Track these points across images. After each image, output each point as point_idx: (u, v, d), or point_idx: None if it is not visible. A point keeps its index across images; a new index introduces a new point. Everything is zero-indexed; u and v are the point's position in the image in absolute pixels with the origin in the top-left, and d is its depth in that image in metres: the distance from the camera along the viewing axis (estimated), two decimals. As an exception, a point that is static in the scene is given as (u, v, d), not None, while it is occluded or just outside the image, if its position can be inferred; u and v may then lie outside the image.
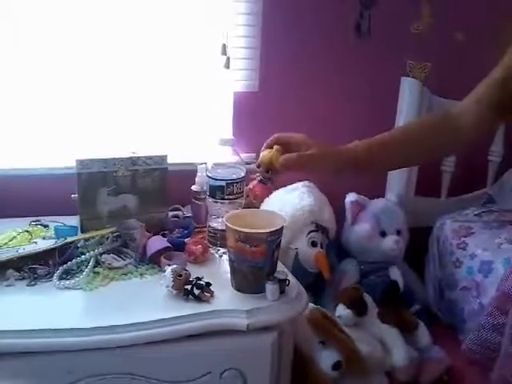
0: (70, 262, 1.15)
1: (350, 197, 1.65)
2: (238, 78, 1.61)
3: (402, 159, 0.95)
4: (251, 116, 1.62)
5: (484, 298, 1.46)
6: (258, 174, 0.99)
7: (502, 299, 0.93)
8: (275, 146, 0.91)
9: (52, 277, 1.11)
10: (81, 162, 1.26)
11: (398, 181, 1.77)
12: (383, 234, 1.61)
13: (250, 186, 1.01)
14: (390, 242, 1.59)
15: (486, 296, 1.45)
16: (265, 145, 0.93)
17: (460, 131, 0.89)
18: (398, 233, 1.62)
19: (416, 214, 1.75)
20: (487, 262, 1.49)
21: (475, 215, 1.73)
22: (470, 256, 1.55)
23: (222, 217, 1.19)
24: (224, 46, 1.54)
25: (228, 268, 1.13)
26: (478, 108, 0.87)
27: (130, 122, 1.55)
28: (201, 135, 1.62)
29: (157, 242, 1.23)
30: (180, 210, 1.45)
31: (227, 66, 1.55)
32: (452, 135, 0.90)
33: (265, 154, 0.92)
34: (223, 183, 1.24)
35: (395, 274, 1.61)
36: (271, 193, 1.01)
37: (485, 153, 1.90)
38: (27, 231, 1.30)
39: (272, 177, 0.95)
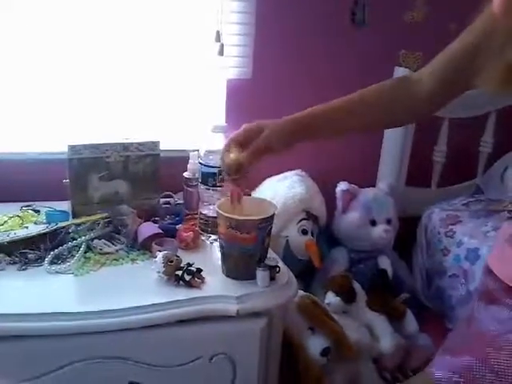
0: (61, 247, 1.15)
1: (342, 186, 1.65)
2: (231, 65, 1.60)
3: (359, 122, 0.94)
4: (244, 103, 1.62)
5: (471, 285, 1.48)
6: (226, 182, 1.00)
7: None
8: (234, 148, 0.92)
9: (43, 261, 1.11)
10: (72, 148, 1.25)
11: (389, 170, 1.78)
12: (373, 223, 1.62)
13: (229, 193, 1.03)
14: (380, 231, 1.61)
15: (473, 283, 1.48)
16: (222, 150, 0.94)
17: (415, 98, 0.89)
18: (388, 222, 1.63)
19: (406, 203, 1.76)
20: (474, 249, 1.51)
21: (463, 204, 1.75)
22: (458, 244, 1.58)
23: (213, 204, 1.20)
24: (218, 33, 1.53)
25: (219, 254, 1.14)
26: (431, 79, 0.86)
27: (122, 107, 1.54)
28: (194, 122, 1.62)
29: (148, 228, 1.23)
30: (171, 196, 1.45)
31: (221, 52, 1.55)
32: (407, 100, 0.90)
33: (229, 157, 0.92)
34: (215, 170, 1.24)
35: (384, 262, 1.63)
36: (244, 191, 1.03)
37: (476, 143, 1.92)
38: (18, 216, 1.30)
39: (243, 176, 0.95)
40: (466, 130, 1.82)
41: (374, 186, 1.78)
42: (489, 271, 0.84)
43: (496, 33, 0.72)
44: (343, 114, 0.92)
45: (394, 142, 1.75)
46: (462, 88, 0.86)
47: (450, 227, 1.64)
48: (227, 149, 0.93)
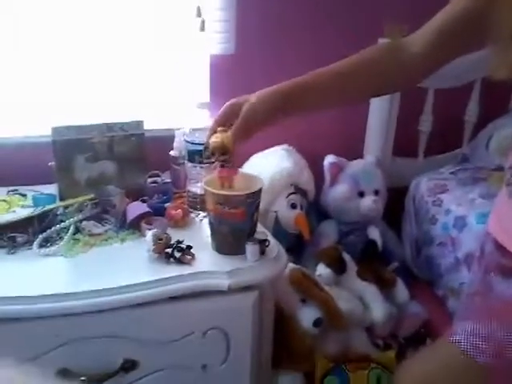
0: (49, 230, 1.15)
1: (329, 158, 1.66)
2: (214, 41, 1.58)
3: (350, 92, 0.90)
4: (228, 79, 1.60)
5: (459, 253, 1.50)
6: (215, 163, 1.01)
7: None
8: (219, 129, 0.91)
9: (32, 245, 1.11)
10: (56, 129, 1.24)
11: (375, 142, 1.79)
12: (361, 195, 1.63)
13: (216, 174, 1.04)
14: (369, 202, 1.61)
15: (461, 250, 1.50)
16: (208, 133, 0.92)
17: (407, 63, 0.85)
18: (376, 193, 1.64)
19: (394, 174, 1.77)
20: (461, 217, 1.52)
21: (450, 173, 1.76)
22: (445, 212, 1.59)
23: (201, 181, 1.20)
24: (198, 9, 1.51)
25: (208, 231, 1.15)
26: (425, 43, 0.82)
27: (105, 87, 1.52)
28: (178, 100, 1.61)
29: (136, 208, 1.23)
30: (159, 175, 1.45)
31: (202, 28, 1.53)
32: (399, 66, 0.86)
33: (214, 140, 0.91)
34: (201, 148, 1.24)
35: (374, 233, 1.64)
36: (237, 172, 1.04)
37: (461, 112, 1.92)
38: (5, 201, 1.29)
39: (229, 158, 0.94)
40: (451, 100, 1.82)
41: (361, 157, 1.79)
42: (498, 246, 0.82)
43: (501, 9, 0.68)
44: (333, 85, 0.88)
45: (379, 114, 1.75)
46: (456, 52, 0.84)
47: (438, 196, 1.65)
48: (212, 131, 0.92)
